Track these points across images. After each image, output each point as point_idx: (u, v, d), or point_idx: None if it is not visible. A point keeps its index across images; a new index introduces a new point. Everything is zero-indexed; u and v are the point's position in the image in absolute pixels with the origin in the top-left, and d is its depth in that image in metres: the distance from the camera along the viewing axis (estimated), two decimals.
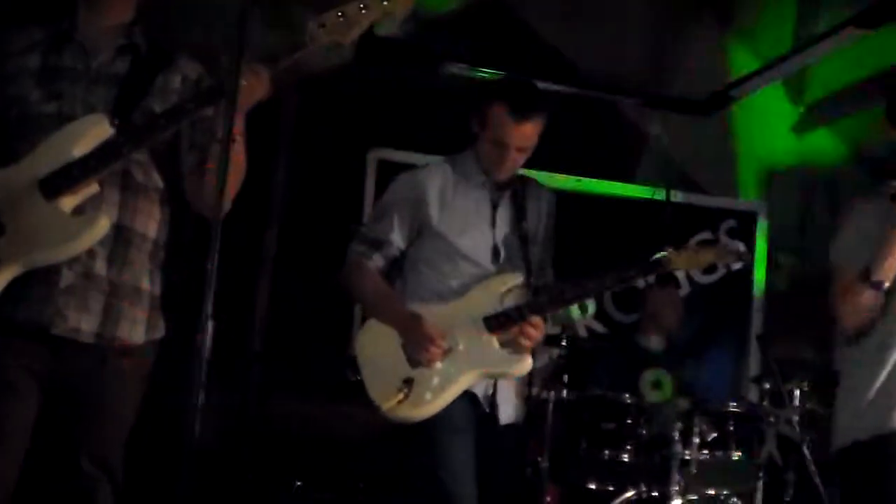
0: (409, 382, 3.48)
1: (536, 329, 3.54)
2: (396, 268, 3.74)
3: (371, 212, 3.78)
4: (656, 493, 4.91)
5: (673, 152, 7.11)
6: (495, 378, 3.60)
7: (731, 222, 7.15)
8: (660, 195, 6.98)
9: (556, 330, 5.19)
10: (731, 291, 6.97)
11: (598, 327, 6.82)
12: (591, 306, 5.10)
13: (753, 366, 6.81)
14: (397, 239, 3.68)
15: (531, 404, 3.98)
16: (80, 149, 2.85)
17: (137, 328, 3.03)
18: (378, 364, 3.58)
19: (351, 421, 5.11)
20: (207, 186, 2.89)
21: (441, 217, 3.65)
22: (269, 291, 6.45)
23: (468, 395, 3.57)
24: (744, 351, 6.99)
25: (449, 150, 3.88)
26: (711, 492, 4.92)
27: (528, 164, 3.77)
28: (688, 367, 5.93)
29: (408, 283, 3.70)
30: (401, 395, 3.46)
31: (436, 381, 3.49)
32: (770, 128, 7.19)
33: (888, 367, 3.44)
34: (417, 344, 3.50)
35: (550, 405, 4.95)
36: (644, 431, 5.04)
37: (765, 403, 5.17)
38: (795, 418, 5.09)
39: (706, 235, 7.08)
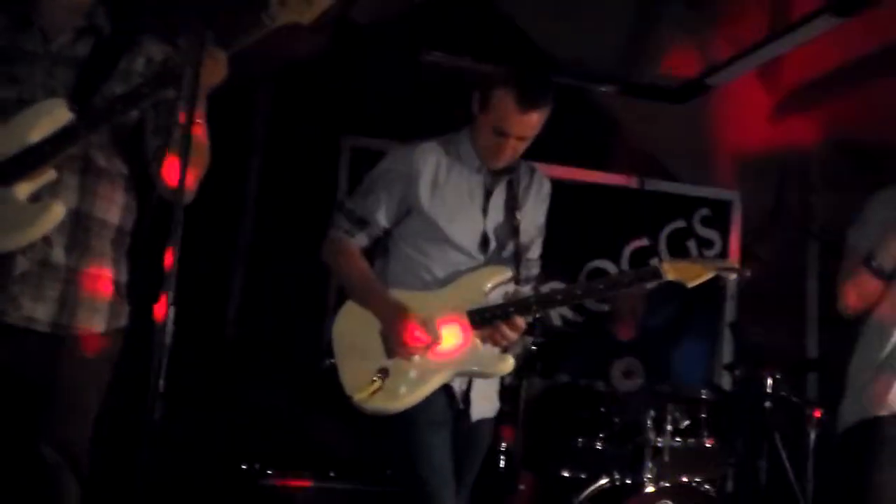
0: (384, 373, 3.35)
1: (514, 330, 3.40)
2: (381, 246, 3.61)
3: (360, 184, 3.61)
4: (629, 481, 4.93)
5: (647, 140, 7.12)
6: (474, 376, 3.49)
7: (705, 210, 7.17)
8: (632, 183, 7.00)
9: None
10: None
11: (572, 315, 6.83)
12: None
13: (727, 353, 6.82)
14: (382, 218, 3.54)
15: (504, 393, 3.93)
16: (37, 134, 2.81)
17: (98, 316, 2.98)
18: (353, 351, 3.44)
19: (324, 410, 5.09)
20: (168, 171, 2.85)
21: (431, 200, 3.50)
22: (244, 279, 6.43)
23: (445, 390, 3.45)
24: (717, 338, 7.01)
25: (423, 138, 3.70)
26: (684, 479, 4.94)
27: None
28: (660, 355, 5.95)
29: (390, 266, 3.57)
30: (374, 386, 3.33)
31: (413, 374, 3.36)
32: (745, 116, 7.18)
33: (883, 354, 3.46)
34: (399, 335, 3.36)
35: (523, 393, 4.95)
36: (617, 419, 5.05)
37: (737, 390, 5.18)
38: (768, 405, 5.11)
39: (680, 224, 7.10)
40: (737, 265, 3.60)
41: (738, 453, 5.15)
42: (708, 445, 5.04)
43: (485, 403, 3.60)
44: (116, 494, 2.75)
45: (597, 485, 4.96)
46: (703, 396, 5.10)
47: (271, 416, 5.93)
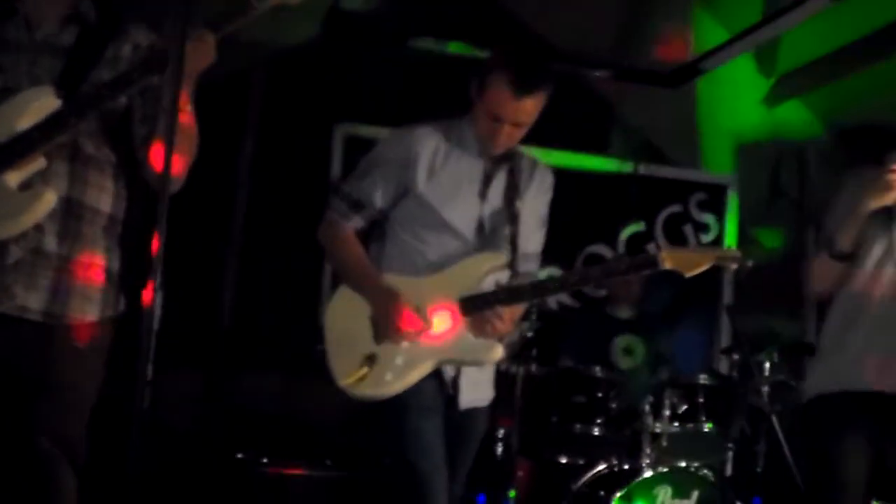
0: (371, 359, 3.33)
1: (503, 322, 3.35)
2: (378, 228, 3.56)
3: (357, 167, 3.57)
4: (627, 467, 4.92)
5: (641, 125, 7.11)
6: (462, 364, 3.45)
7: (700, 195, 7.15)
8: (628, 168, 6.99)
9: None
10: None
11: (569, 301, 6.81)
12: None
13: (725, 337, 6.82)
14: (379, 200, 3.49)
15: (501, 379, 3.90)
16: (25, 122, 2.79)
17: (91, 305, 2.96)
18: (343, 336, 3.42)
19: (319, 397, 5.06)
20: (155, 158, 2.83)
21: (428, 184, 3.45)
22: (238, 267, 6.41)
23: (436, 376, 3.41)
24: (715, 323, 7.01)
25: (420, 123, 3.63)
26: (682, 464, 4.93)
27: None
28: (660, 338, 5.94)
29: (385, 250, 3.52)
30: (361, 372, 3.32)
31: (399, 360, 3.34)
32: (740, 100, 7.17)
33: (848, 334, 3.51)
34: (390, 319, 3.33)
35: (520, 379, 4.93)
36: (614, 405, 5.04)
37: (734, 374, 5.17)
38: (765, 389, 5.10)
39: (676, 208, 7.09)
40: (737, 254, 3.52)
41: (736, 438, 5.14)
42: (706, 430, 5.02)
43: (476, 391, 3.55)
44: (111, 484, 2.73)
45: (595, 471, 4.96)
46: (701, 381, 5.08)
47: (266, 405, 5.92)
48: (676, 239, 6.96)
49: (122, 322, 3.06)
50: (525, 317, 4.94)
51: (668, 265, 3.39)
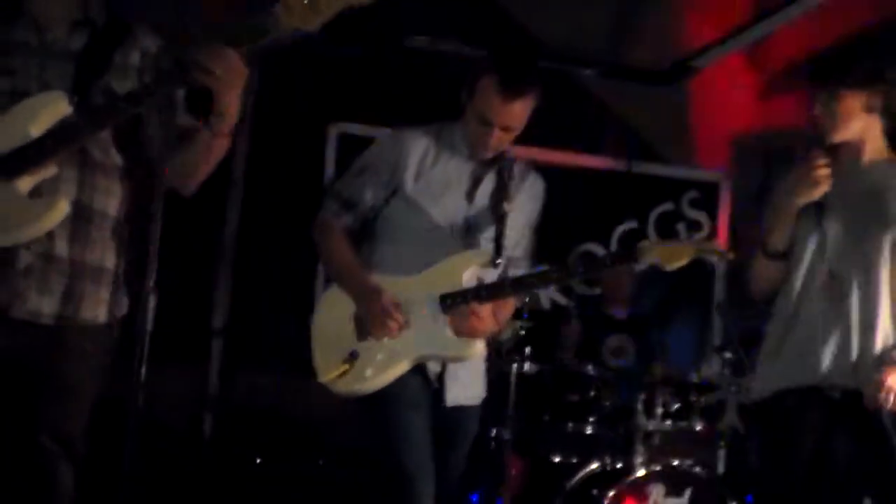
0: (353, 355, 3.38)
1: (481, 320, 3.38)
2: (369, 227, 3.60)
3: (350, 167, 3.61)
4: (620, 465, 4.93)
5: (634, 123, 7.11)
6: (442, 360, 3.47)
7: (693, 193, 7.17)
8: (621, 166, 7.00)
9: (518, 302, 5.16)
10: (694, 261, 6.96)
11: (562, 300, 6.82)
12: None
13: (718, 336, 6.82)
14: (369, 200, 3.53)
15: (494, 377, 3.91)
16: (38, 127, 2.77)
17: (100, 308, 2.97)
18: (327, 333, 3.48)
19: (312, 396, 5.08)
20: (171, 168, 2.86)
21: (416, 185, 3.49)
22: (231, 267, 6.41)
23: (420, 371, 3.45)
24: (707, 321, 7.02)
25: (410, 124, 3.69)
26: (675, 462, 4.94)
27: None
28: (652, 336, 5.95)
29: (375, 248, 3.57)
30: (342, 368, 3.36)
31: (379, 357, 3.38)
32: (733, 97, 7.18)
33: (788, 334, 3.45)
34: (374, 317, 3.37)
35: (513, 377, 4.94)
36: (607, 403, 5.05)
37: (727, 372, 5.18)
38: None
39: (668, 206, 7.10)
40: (719, 247, 3.56)
41: (729, 436, 5.15)
42: (698, 428, 5.04)
43: (464, 389, 3.56)
44: (107, 481, 2.75)
45: (587, 469, 4.97)
46: (694, 380, 5.10)
47: (260, 403, 5.93)
48: (669, 237, 6.95)
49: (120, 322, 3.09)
50: (518, 315, 4.97)
51: (647, 258, 3.39)
